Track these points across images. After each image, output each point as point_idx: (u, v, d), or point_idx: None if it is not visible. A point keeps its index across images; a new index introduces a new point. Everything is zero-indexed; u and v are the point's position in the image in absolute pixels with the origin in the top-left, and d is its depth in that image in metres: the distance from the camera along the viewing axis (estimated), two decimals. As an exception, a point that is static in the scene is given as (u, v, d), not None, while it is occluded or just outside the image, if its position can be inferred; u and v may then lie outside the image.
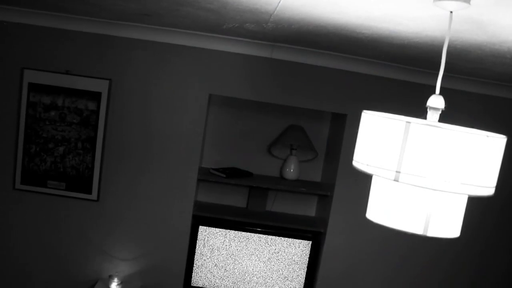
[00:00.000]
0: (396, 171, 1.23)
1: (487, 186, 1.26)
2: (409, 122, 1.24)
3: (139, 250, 3.42)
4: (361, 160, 1.34)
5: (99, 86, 3.21)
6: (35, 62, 3.18)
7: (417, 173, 1.21)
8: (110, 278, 3.32)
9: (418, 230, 1.34)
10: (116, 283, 3.30)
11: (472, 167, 1.22)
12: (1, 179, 3.32)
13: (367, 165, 1.30)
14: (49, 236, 3.40)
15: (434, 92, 1.41)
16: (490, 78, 3.16)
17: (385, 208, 1.36)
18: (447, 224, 1.37)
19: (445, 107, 1.41)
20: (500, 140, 1.25)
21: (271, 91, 3.28)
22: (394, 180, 1.23)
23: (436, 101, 1.39)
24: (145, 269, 3.44)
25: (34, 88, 3.20)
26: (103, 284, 3.37)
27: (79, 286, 3.46)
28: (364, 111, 1.37)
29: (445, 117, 1.45)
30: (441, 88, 1.43)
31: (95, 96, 3.21)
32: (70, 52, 3.19)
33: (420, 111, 1.46)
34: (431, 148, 1.21)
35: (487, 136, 1.22)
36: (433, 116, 1.40)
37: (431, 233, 1.35)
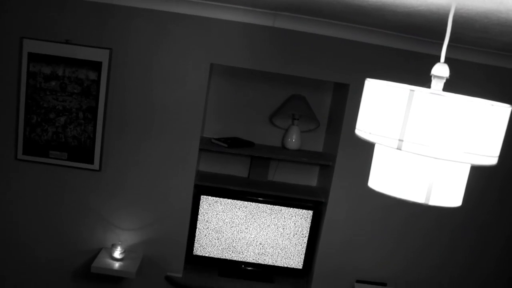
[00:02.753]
0: (399, 140, 1.22)
1: (490, 156, 1.26)
2: (412, 90, 1.23)
3: (142, 220, 3.45)
4: (363, 128, 1.33)
5: (100, 55, 3.18)
6: (34, 32, 3.15)
7: (420, 142, 1.20)
8: (113, 247, 3.35)
9: (420, 199, 1.34)
10: (119, 252, 3.33)
11: (476, 136, 1.21)
12: (3, 150, 3.32)
13: (370, 133, 1.29)
14: (51, 206, 3.42)
15: (438, 62, 1.39)
16: (495, 48, 3.12)
17: (387, 177, 1.36)
18: (449, 193, 1.36)
19: (449, 77, 1.39)
20: (504, 109, 1.24)
21: (273, 61, 3.25)
22: (397, 148, 1.23)
23: (441, 69, 1.37)
24: (147, 239, 3.47)
25: (34, 58, 3.17)
26: (107, 253, 3.41)
27: (82, 255, 3.49)
28: (368, 79, 1.35)
29: (449, 88, 1.43)
30: (445, 58, 1.41)
31: (96, 66, 3.19)
32: (69, 21, 3.15)
33: (424, 81, 1.45)
34: (435, 116, 1.20)
35: (492, 105, 1.21)
36: (437, 84, 1.39)
37: (433, 202, 1.34)
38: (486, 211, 3.57)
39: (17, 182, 3.37)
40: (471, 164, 1.28)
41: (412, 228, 3.55)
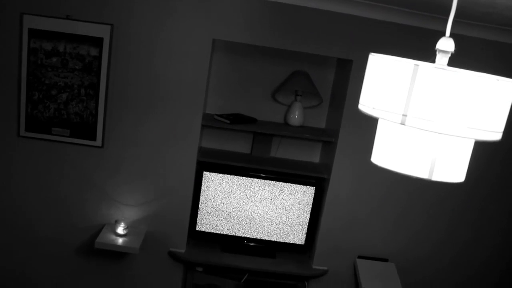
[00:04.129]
0: (403, 115, 1.21)
1: (494, 131, 1.25)
2: (417, 65, 1.21)
3: (145, 196, 3.46)
4: (367, 103, 1.32)
5: (101, 31, 3.15)
6: (34, 7, 3.11)
7: (424, 117, 1.19)
8: (116, 223, 3.37)
9: (423, 174, 1.33)
10: (122, 228, 3.35)
11: (480, 111, 1.19)
12: (6, 127, 3.32)
13: (373, 108, 1.28)
14: (54, 183, 3.43)
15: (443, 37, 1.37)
16: (502, 24, 3.08)
17: (391, 152, 1.35)
18: (452, 168, 1.36)
19: (454, 52, 1.38)
20: (510, 84, 1.22)
21: (276, 36, 3.22)
22: (401, 123, 1.22)
23: (446, 44, 1.35)
24: (150, 214, 3.49)
25: (35, 34, 3.14)
26: (110, 229, 3.43)
27: (85, 231, 3.52)
28: (372, 53, 1.34)
29: (453, 64, 1.42)
30: (450, 33, 1.38)
31: (97, 42, 3.16)
32: (70, -4, 3.12)
33: (428, 57, 1.43)
34: (439, 91, 1.18)
35: (497, 79, 1.20)
36: (442, 59, 1.37)
37: (436, 177, 1.34)
38: (488, 187, 3.57)
39: (19, 159, 3.38)
40: (475, 140, 1.27)
41: (414, 205, 3.56)
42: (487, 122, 1.21)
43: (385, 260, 3.66)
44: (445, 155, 1.31)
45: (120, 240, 3.32)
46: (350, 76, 3.27)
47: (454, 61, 1.45)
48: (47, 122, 3.30)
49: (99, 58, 3.19)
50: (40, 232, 3.52)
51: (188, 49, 3.22)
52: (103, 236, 3.35)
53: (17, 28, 3.14)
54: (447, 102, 1.18)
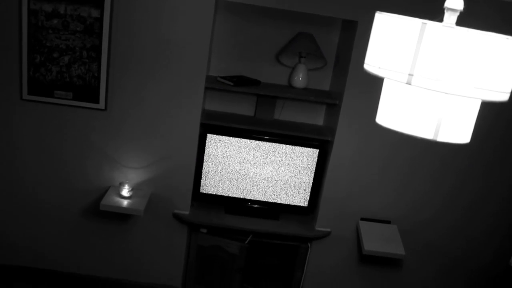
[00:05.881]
0: (409, 74, 1.19)
1: (502, 91, 1.23)
2: (424, 23, 1.19)
3: (149, 158, 3.47)
4: (373, 63, 1.30)
5: (101, -8, 3.11)
6: (33, -33, 3.06)
7: (430, 76, 1.17)
8: (121, 186, 3.39)
9: (428, 135, 1.32)
10: (127, 190, 3.38)
11: (488, 71, 1.18)
12: (8, 90, 3.30)
13: (379, 67, 1.27)
14: (57, 146, 3.43)
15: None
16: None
17: (396, 113, 1.34)
18: (458, 129, 1.35)
19: (462, 11, 1.35)
20: (519, 43, 1.20)
21: (280, -4, 3.16)
22: (407, 83, 1.20)
23: (455, 2, 1.32)
24: (154, 177, 3.51)
25: (35, -6, 3.10)
26: (115, 191, 3.45)
27: (89, 194, 3.54)
28: (378, 12, 1.31)
29: (461, 25, 1.39)
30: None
31: (98, 3, 3.11)
32: (69, -45, 3.05)
33: (435, 17, 1.40)
34: (447, 50, 1.16)
35: (507, 38, 1.17)
36: (450, 18, 1.34)
37: (441, 138, 1.33)
38: (493, 148, 3.55)
39: (23, 122, 3.38)
40: (482, 100, 1.26)
41: (418, 169, 3.56)
42: (494, 82, 1.19)
43: (388, 222, 3.69)
44: (451, 115, 1.30)
45: (125, 202, 3.35)
46: (355, 38, 3.22)
47: (462, 22, 1.42)
48: (49, 85, 3.28)
49: (100, 19, 3.15)
50: (43, 195, 3.55)
51: (191, 10, 3.16)
52: (108, 198, 3.37)
53: (17, -11, 3.09)
54: (455, 61, 1.16)
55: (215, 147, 3.53)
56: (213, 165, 3.57)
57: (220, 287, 3.75)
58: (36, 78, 3.26)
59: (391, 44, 1.24)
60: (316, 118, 3.79)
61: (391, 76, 1.24)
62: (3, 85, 3.28)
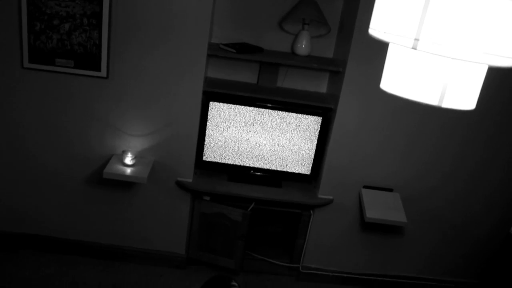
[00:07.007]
0: (415, 39, 1.17)
1: (510, 57, 1.21)
2: (431, -14, 1.16)
3: (151, 126, 3.46)
4: (378, 27, 1.27)
5: (101, -43, 3.05)
6: None
7: (437, 41, 1.15)
8: (123, 153, 3.40)
9: (433, 101, 1.30)
10: (130, 158, 3.38)
11: (497, 36, 1.14)
12: (9, 59, 3.27)
13: (384, 32, 1.24)
14: (59, 115, 3.43)
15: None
16: None
17: (401, 78, 1.32)
18: (463, 95, 1.33)
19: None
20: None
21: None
22: (412, 48, 1.18)
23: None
24: (157, 144, 3.51)
25: (33, -40, 3.04)
26: (117, 159, 3.46)
27: (92, 162, 3.55)
28: (384, -26, 1.28)
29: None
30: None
31: (98, -32, 3.06)
32: None
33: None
34: (455, 14, 1.13)
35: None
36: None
37: (446, 104, 1.31)
38: (496, 117, 3.52)
39: (24, 91, 3.36)
40: (489, 66, 1.24)
41: (421, 137, 3.55)
42: (503, 47, 1.17)
43: (390, 190, 3.70)
44: (457, 81, 1.28)
45: (128, 170, 3.36)
46: (359, 4, 3.17)
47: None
48: (50, 53, 3.25)
49: (100, -15, 3.10)
50: (46, 164, 3.56)
51: (192, -25, 3.11)
52: (111, 166, 3.38)
53: (15, -46, 3.04)
54: (463, 25, 1.13)
55: (218, 115, 3.52)
56: (215, 133, 3.57)
57: (223, 254, 3.79)
58: (36, 46, 3.23)
59: (397, 8, 1.22)
60: (319, 85, 3.77)
61: (396, 41, 1.22)
62: (3, 54, 3.26)
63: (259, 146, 3.61)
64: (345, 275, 3.96)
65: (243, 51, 3.38)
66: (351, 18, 3.32)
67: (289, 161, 3.66)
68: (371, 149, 3.57)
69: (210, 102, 3.48)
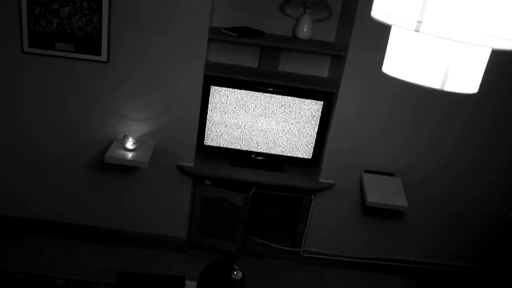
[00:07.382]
0: (418, 21, 1.16)
1: (515, 40, 1.19)
2: (435, -33, 1.14)
3: (152, 111, 3.46)
4: (380, 9, 1.26)
5: None
6: None
7: (440, 23, 1.14)
8: (125, 138, 3.40)
9: (436, 84, 1.30)
10: (131, 142, 3.38)
11: (501, 18, 1.13)
12: (9, 43, 3.26)
13: (387, 15, 1.23)
14: (60, 99, 3.42)
15: None
16: None
17: (403, 61, 1.31)
18: (466, 78, 1.32)
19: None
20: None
21: None
22: (415, 30, 1.17)
23: None
24: (158, 129, 3.51)
25: None
26: (119, 143, 3.46)
27: (93, 147, 3.55)
28: (386, -44, 1.26)
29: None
30: None
31: (97, -49, 3.03)
32: None
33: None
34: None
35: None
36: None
37: (448, 88, 1.30)
38: (498, 100, 3.51)
39: (24, 75, 3.35)
40: (492, 49, 1.22)
41: (422, 121, 3.54)
42: (507, 30, 1.15)
43: (391, 174, 3.70)
44: (459, 64, 1.27)
45: (129, 155, 3.36)
46: (361, -14, 3.15)
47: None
48: (50, 37, 3.23)
49: (100, -32, 3.07)
50: (47, 149, 3.56)
51: (192, -42, 3.08)
52: (113, 150, 3.38)
53: None
54: (466, 7, 1.12)
55: (219, 99, 3.51)
56: (217, 117, 3.56)
57: (224, 238, 3.81)
58: (36, 31, 3.21)
59: (400, -10, 1.20)
60: (321, 70, 3.75)
61: (399, 24, 1.20)
62: (3, 38, 3.24)
63: (260, 131, 3.61)
64: (346, 259, 3.98)
65: (244, 35, 3.36)
66: (353, 1, 3.29)
67: (291, 146, 3.66)
68: (372, 133, 3.56)
69: (211, 86, 3.47)
